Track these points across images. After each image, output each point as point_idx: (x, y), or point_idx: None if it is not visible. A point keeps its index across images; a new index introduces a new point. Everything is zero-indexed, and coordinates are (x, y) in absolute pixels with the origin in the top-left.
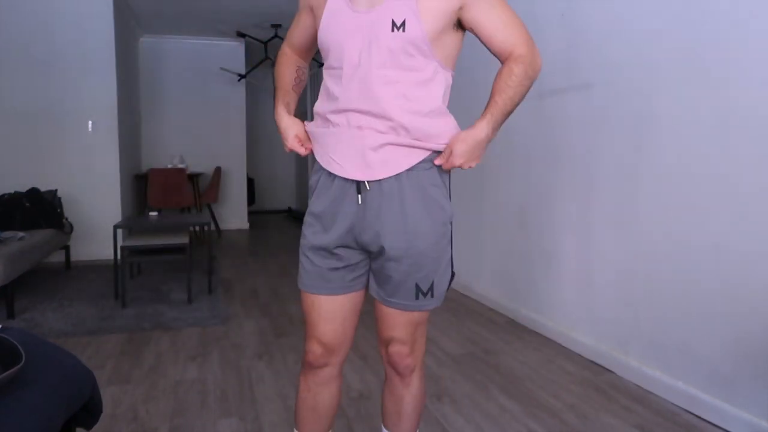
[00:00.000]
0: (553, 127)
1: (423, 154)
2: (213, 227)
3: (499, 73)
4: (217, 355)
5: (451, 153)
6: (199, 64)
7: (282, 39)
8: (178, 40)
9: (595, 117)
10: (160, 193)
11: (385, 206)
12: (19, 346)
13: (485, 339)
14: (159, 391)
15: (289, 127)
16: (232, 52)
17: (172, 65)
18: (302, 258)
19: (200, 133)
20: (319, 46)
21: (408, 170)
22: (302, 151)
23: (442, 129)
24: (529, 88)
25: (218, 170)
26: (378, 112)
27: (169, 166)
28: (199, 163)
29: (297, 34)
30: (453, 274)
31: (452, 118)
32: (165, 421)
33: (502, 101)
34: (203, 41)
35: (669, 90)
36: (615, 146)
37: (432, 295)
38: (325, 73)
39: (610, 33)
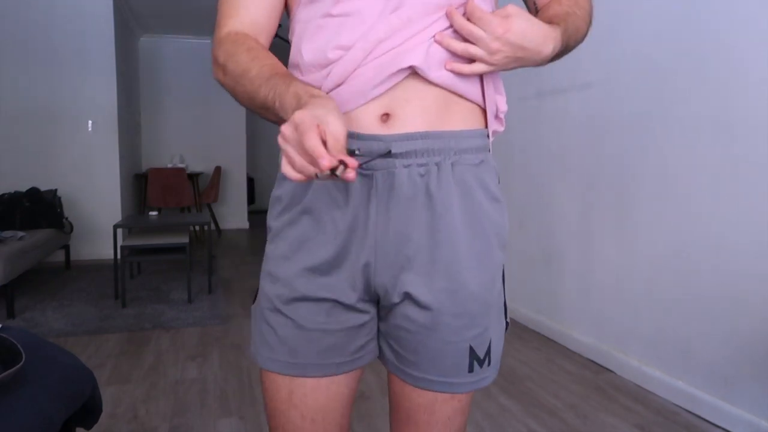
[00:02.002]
0: (553, 126)
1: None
2: (213, 227)
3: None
4: (217, 355)
5: (506, 15)
6: (199, 64)
7: (282, 39)
8: (178, 40)
9: (596, 116)
10: (159, 193)
11: (412, 218)
12: (19, 346)
13: None
14: (159, 390)
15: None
16: None
17: (172, 65)
18: (269, 316)
19: (200, 133)
20: None
21: (445, 159)
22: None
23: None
24: (584, 32)
25: (218, 170)
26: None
27: (169, 165)
28: (199, 163)
29: (257, 4)
30: (507, 325)
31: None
32: (165, 421)
33: (566, 24)
34: (203, 41)
35: (669, 90)
36: (615, 146)
37: (489, 362)
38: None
39: (610, 33)
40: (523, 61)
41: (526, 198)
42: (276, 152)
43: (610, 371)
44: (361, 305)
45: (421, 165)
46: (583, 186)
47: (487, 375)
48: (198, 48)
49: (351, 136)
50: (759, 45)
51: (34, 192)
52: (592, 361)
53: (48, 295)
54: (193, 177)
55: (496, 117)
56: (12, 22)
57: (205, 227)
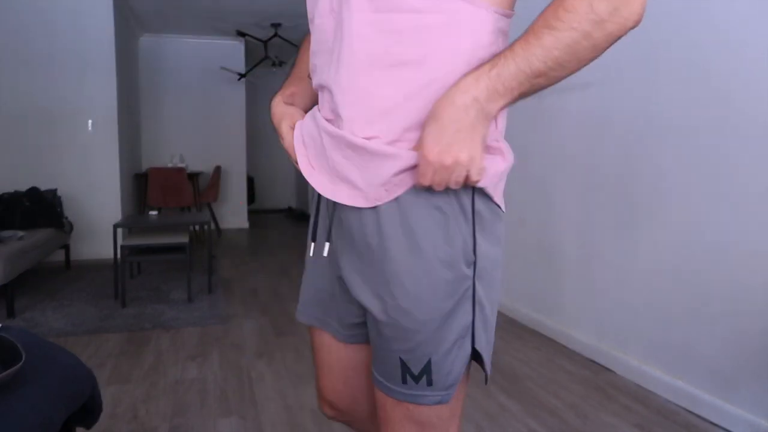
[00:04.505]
0: (552, 126)
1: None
2: (213, 226)
3: (547, 7)
4: (217, 355)
5: (421, 146)
6: (199, 63)
7: (282, 38)
8: (177, 39)
9: (595, 116)
10: (159, 193)
11: (354, 226)
12: (19, 345)
13: None
14: (159, 390)
15: (283, 115)
16: (232, 52)
17: (172, 64)
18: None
19: (200, 133)
20: None
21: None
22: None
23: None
24: (591, 38)
25: (218, 169)
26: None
27: (169, 165)
28: (199, 162)
29: None
30: (475, 354)
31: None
32: (165, 421)
33: (526, 47)
34: (203, 40)
35: (669, 89)
36: (614, 145)
37: (429, 382)
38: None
39: None
40: (467, 132)
41: (526, 197)
42: (275, 151)
43: (610, 371)
44: (340, 284)
45: None
46: (582, 185)
47: (427, 394)
48: (198, 47)
49: None
50: (759, 45)
51: (34, 192)
52: (592, 360)
53: (48, 295)
54: (193, 177)
55: None
56: (12, 21)
57: (205, 227)
